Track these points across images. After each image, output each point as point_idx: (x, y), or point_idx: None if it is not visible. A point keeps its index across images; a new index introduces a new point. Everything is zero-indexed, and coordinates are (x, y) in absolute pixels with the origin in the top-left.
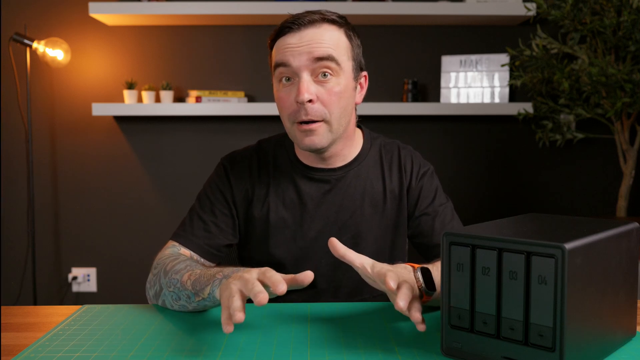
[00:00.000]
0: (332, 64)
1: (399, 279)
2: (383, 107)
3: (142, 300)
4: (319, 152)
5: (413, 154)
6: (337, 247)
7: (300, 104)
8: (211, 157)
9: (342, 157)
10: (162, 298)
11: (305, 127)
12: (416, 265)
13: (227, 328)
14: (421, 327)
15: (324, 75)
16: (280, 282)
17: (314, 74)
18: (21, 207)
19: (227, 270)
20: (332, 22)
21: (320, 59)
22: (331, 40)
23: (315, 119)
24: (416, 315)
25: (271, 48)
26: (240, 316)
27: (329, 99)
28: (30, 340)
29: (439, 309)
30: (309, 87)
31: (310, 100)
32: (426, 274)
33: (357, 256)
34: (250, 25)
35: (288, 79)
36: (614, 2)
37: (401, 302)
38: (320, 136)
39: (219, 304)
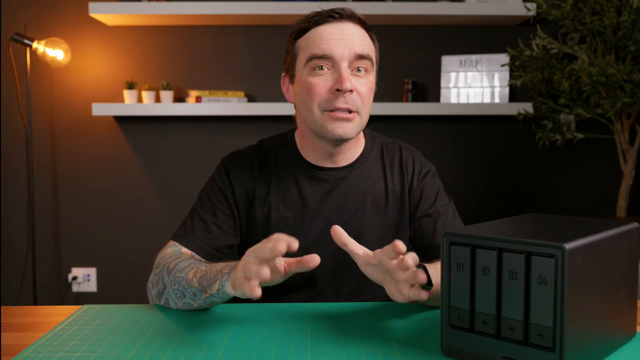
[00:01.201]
0: (368, 63)
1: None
2: (383, 107)
3: (142, 300)
4: (342, 142)
5: (415, 154)
6: (341, 234)
7: (341, 92)
8: (211, 157)
9: (348, 156)
10: (165, 297)
11: (342, 115)
12: None
13: (255, 292)
14: (423, 295)
15: (359, 70)
16: (292, 240)
17: (350, 67)
18: (21, 207)
19: (233, 263)
20: (362, 23)
21: (361, 56)
22: (366, 39)
23: (353, 109)
24: (422, 276)
25: (298, 37)
26: (266, 272)
27: (364, 92)
28: (30, 340)
29: (438, 308)
30: (350, 77)
31: (350, 90)
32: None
33: (359, 245)
34: (250, 25)
35: (322, 68)
36: (614, 2)
37: (410, 259)
38: (353, 127)
39: (228, 299)
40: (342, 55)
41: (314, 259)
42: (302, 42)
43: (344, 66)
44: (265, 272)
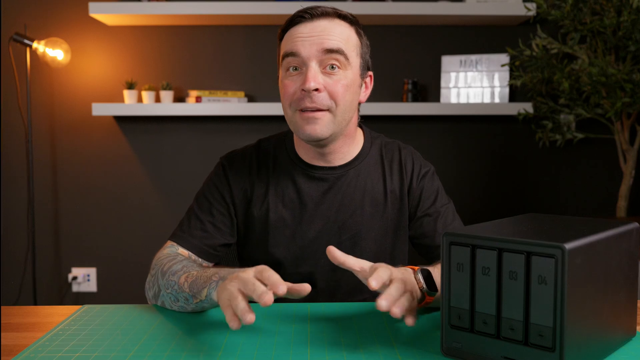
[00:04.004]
0: (341, 57)
1: (386, 278)
2: (383, 107)
3: (142, 300)
4: (319, 142)
5: (414, 154)
6: (336, 254)
7: (307, 92)
8: (211, 157)
9: (343, 155)
10: (161, 299)
11: (310, 114)
12: (416, 268)
13: (233, 324)
14: (409, 321)
15: (332, 67)
16: (279, 284)
17: (322, 65)
18: (21, 207)
19: (224, 271)
20: (344, 18)
21: (330, 51)
22: (342, 34)
23: (321, 107)
24: (395, 312)
25: (281, 38)
26: (250, 317)
27: (336, 90)
28: (30, 340)
29: (439, 309)
30: (316, 76)
31: (317, 89)
32: (426, 275)
33: (356, 260)
34: (250, 25)
35: (295, 68)
36: (614, 2)
37: (382, 301)
38: (322, 125)
39: (217, 305)
40: (309, 53)
41: (306, 288)
42: (282, 43)
43: (312, 65)
44: (250, 318)
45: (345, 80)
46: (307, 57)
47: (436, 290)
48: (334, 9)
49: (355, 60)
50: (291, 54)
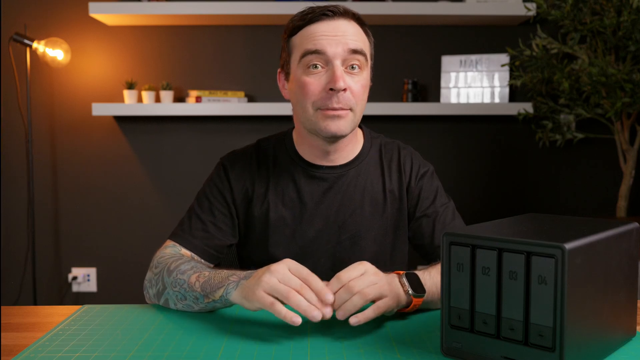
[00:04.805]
0: (362, 59)
1: (336, 287)
2: (383, 107)
3: (142, 300)
4: (337, 139)
5: (413, 154)
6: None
7: (334, 91)
8: (211, 157)
9: (346, 154)
10: (164, 297)
11: (333, 112)
12: (401, 272)
13: (295, 319)
14: (352, 321)
15: (352, 67)
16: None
17: (344, 64)
18: (21, 207)
19: (242, 273)
20: (358, 19)
21: (354, 51)
22: (360, 35)
23: (345, 107)
24: (338, 315)
25: (292, 34)
26: (317, 312)
27: (357, 90)
28: (30, 340)
29: (438, 309)
30: (343, 75)
31: (344, 89)
32: (412, 278)
33: (371, 311)
34: (250, 25)
35: (315, 66)
36: (614, 2)
37: (338, 313)
38: (346, 123)
39: (229, 305)
40: (335, 52)
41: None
42: (296, 39)
43: (337, 64)
44: (318, 313)
45: (363, 80)
46: (333, 56)
47: (424, 292)
48: (348, 8)
49: (369, 61)
50: (315, 51)
